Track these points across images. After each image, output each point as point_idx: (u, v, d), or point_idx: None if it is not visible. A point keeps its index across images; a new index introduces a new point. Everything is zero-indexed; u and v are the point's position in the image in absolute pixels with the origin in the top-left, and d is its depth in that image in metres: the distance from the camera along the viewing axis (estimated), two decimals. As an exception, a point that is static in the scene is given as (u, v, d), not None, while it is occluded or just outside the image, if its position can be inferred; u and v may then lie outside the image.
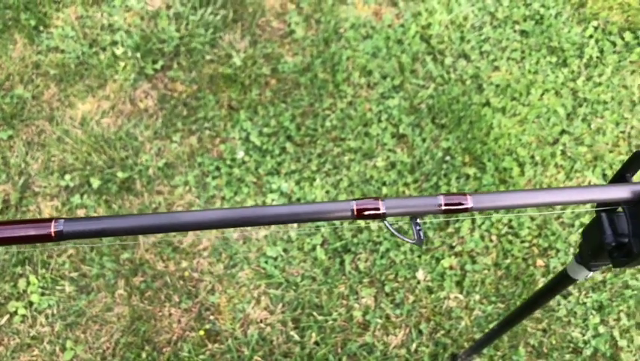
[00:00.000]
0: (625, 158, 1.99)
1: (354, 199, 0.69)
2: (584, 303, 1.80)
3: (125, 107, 2.18)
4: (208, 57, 2.28)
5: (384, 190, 1.98)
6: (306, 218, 0.68)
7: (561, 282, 0.98)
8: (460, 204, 0.69)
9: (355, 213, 0.69)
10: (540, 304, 1.10)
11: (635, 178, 0.78)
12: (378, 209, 0.69)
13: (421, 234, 0.76)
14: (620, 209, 0.81)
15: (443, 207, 0.69)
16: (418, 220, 0.76)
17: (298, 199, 1.98)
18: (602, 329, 1.76)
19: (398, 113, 2.13)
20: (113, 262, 1.86)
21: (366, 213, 0.68)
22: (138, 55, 2.25)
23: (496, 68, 2.24)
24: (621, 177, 0.78)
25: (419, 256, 1.88)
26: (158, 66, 2.26)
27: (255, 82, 2.22)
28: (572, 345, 1.75)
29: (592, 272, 0.92)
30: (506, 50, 2.28)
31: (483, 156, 2.04)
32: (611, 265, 0.85)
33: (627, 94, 2.16)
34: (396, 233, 0.73)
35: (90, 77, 2.23)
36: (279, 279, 1.84)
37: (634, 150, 2.07)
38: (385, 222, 0.72)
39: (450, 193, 0.70)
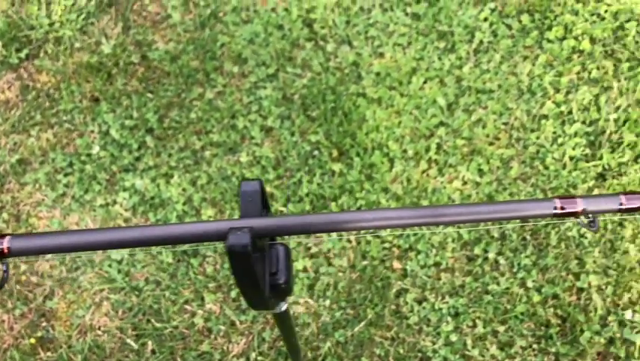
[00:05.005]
0: (505, 152, 1.86)
1: None
2: (440, 309, 1.69)
3: (-15, 98, 2.07)
4: (77, 45, 2.16)
5: (243, 188, 1.86)
6: None
7: (279, 319, 0.87)
8: None
9: None
10: (290, 337, 0.99)
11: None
12: None
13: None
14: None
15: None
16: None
17: (152, 198, 1.87)
18: (454, 337, 1.65)
19: (268, 105, 2.00)
20: (-51, 265, 1.77)
21: None
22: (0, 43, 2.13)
23: (381, 55, 2.10)
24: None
25: (272, 259, 1.76)
26: (23, 55, 2.14)
27: (123, 71, 2.09)
28: (420, 354, 1.64)
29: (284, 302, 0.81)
30: (393, 35, 2.13)
31: (351, 150, 1.91)
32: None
33: (515, 82, 2.02)
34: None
35: (-51, 67, 2.11)
36: (121, 283, 1.75)
37: (514, 144, 1.94)
38: None
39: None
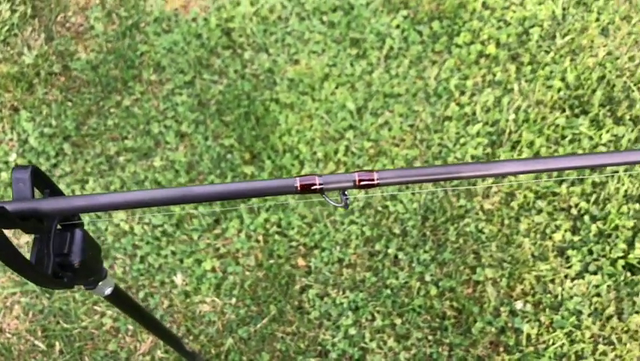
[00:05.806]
0: (409, 152, 1.94)
1: None
2: (341, 304, 1.75)
3: None
4: (0, 56, 2.20)
5: (156, 191, 1.91)
6: None
7: (113, 301, 0.92)
8: None
9: None
10: (145, 322, 1.04)
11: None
12: None
13: None
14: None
15: None
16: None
17: (66, 203, 1.91)
18: (353, 331, 1.71)
19: (184, 110, 2.06)
20: None
21: None
22: None
23: (296, 62, 2.18)
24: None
25: (181, 261, 1.82)
26: (-55, 66, 2.17)
27: (44, 81, 2.14)
28: (320, 348, 1.70)
29: (107, 286, 0.87)
30: (309, 43, 2.21)
31: (263, 153, 1.98)
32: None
33: (422, 85, 2.10)
34: None
35: None
36: (32, 286, 1.78)
37: (418, 145, 2.02)
38: None
39: None
